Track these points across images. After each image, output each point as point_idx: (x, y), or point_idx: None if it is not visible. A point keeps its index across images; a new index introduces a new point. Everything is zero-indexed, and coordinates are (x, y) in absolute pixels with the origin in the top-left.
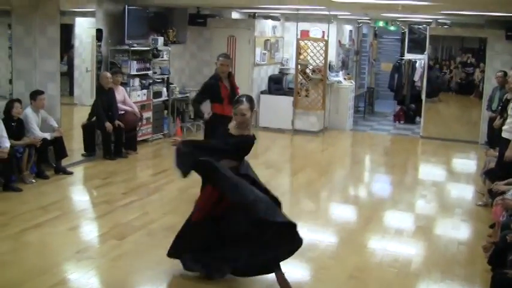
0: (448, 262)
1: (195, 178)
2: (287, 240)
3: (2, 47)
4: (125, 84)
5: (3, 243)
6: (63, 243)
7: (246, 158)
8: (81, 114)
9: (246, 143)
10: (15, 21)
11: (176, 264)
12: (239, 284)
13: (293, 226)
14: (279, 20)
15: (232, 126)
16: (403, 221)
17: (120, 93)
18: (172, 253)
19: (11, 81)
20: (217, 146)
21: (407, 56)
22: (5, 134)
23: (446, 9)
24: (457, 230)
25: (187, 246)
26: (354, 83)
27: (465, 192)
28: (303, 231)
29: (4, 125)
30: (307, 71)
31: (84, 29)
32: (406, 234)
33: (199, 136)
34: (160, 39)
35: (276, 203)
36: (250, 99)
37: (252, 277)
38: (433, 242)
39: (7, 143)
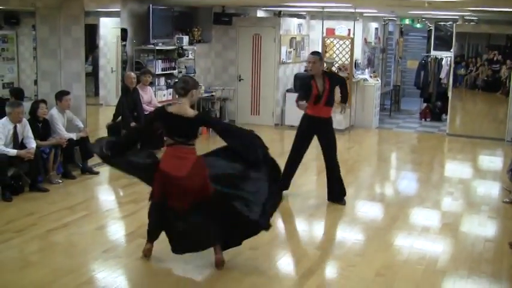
0: (474, 259)
1: None
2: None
3: (27, 48)
4: (151, 84)
5: (31, 243)
6: (90, 243)
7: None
8: (107, 115)
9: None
10: (39, 22)
11: (204, 263)
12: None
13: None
14: (304, 18)
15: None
16: (429, 218)
17: (147, 93)
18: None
19: (36, 82)
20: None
21: (434, 54)
22: (31, 134)
23: (473, 6)
24: (484, 227)
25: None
26: (379, 80)
27: (492, 190)
28: (329, 228)
29: (30, 125)
30: (333, 69)
31: (109, 29)
32: (432, 232)
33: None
34: (186, 39)
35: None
36: (184, 80)
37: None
38: (460, 239)
39: (33, 144)
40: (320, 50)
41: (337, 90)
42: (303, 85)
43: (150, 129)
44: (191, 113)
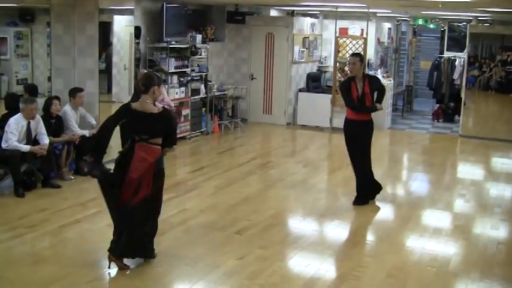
0: (487, 262)
1: (233, 176)
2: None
3: (41, 45)
4: (163, 82)
5: (43, 238)
6: (101, 239)
7: None
8: None
9: None
10: (54, 20)
11: (214, 260)
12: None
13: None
14: (317, 17)
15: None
16: (441, 220)
17: (160, 91)
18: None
19: (49, 79)
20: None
21: (447, 54)
22: (44, 131)
23: (487, 6)
24: (496, 230)
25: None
26: (392, 81)
27: (504, 192)
28: (340, 229)
29: (43, 122)
30: (346, 68)
31: (122, 26)
32: (444, 233)
33: (237, 134)
34: (199, 37)
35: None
36: (147, 76)
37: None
38: (472, 242)
39: (46, 140)
40: (333, 50)
41: None
42: (343, 88)
43: (115, 126)
44: (155, 109)
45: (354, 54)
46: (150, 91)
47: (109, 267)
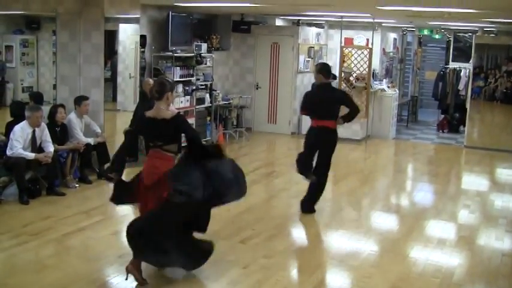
0: (491, 273)
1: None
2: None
3: (47, 53)
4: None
5: (47, 246)
6: (105, 248)
7: None
8: (124, 120)
9: None
10: (60, 28)
11: (219, 269)
12: None
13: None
14: (323, 27)
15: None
16: (445, 230)
17: None
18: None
19: (55, 87)
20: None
21: (452, 65)
22: (49, 138)
23: (493, 17)
24: (501, 241)
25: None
26: (397, 91)
27: (509, 203)
28: (344, 239)
29: (48, 130)
30: (351, 78)
31: (128, 35)
32: (448, 244)
33: (242, 144)
34: (204, 46)
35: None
36: (160, 82)
37: None
38: (476, 253)
39: (51, 148)
40: (338, 60)
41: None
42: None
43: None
44: (168, 115)
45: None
46: (164, 97)
47: (126, 279)
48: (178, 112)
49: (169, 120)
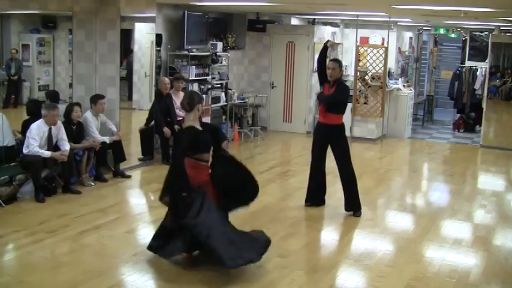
0: (507, 274)
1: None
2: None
3: (63, 52)
4: (184, 89)
5: (63, 244)
6: (120, 246)
7: None
8: (139, 119)
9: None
10: (76, 26)
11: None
12: None
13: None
14: (338, 26)
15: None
16: (461, 230)
17: (180, 98)
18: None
19: (71, 85)
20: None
21: (468, 64)
22: (65, 137)
23: (510, 16)
24: None
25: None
26: (413, 90)
27: None
28: (360, 238)
29: (64, 128)
30: (366, 77)
31: (143, 34)
32: (464, 244)
33: (257, 143)
34: (220, 45)
35: None
36: (190, 96)
37: None
38: (493, 253)
39: (67, 146)
40: (354, 59)
41: None
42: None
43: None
44: (186, 126)
45: (331, 60)
46: (194, 109)
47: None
48: (189, 126)
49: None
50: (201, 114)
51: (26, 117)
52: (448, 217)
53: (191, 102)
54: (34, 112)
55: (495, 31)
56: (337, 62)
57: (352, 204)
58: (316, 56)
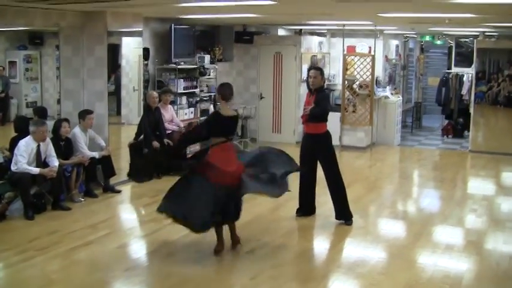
0: (500, 277)
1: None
2: None
3: (50, 68)
4: (172, 103)
5: (54, 261)
6: (112, 261)
7: None
8: (128, 134)
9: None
10: (63, 42)
11: (227, 280)
12: None
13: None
14: (325, 36)
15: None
16: (453, 235)
17: (168, 112)
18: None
19: (59, 102)
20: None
21: (455, 70)
22: (53, 153)
23: (494, 22)
24: (509, 245)
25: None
26: (401, 97)
27: None
28: (352, 247)
29: (53, 144)
30: (354, 86)
31: (131, 48)
32: (456, 249)
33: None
34: (207, 57)
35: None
36: (230, 87)
37: None
38: (485, 257)
39: (56, 162)
40: (341, 68)
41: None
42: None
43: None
44: (234, 113)
45: (313, 68)
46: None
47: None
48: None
49: (236, 117)
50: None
51: (14, 134)
52: (440, 223)
53: (232, 92)
54: (22, 129)
55: (480, 37)
56: (319, 70)
57: (342, 213)
58: (304, 67)
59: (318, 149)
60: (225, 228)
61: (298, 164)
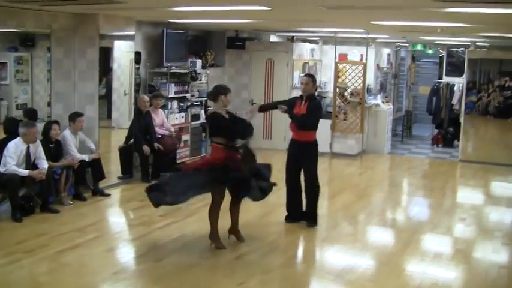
0: (488, 286)
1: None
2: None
3: (41, 70)
4: (163, 107)
5: (42, 263)
6: (100, 265)
7: None
8: (119, 137)
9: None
10: (54, 44)
11: (216, 286)
12: None
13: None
14: (317, 43)
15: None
16: (442, 244)
17: (159, 116)
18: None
19: (49, 104)
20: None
21: (446, 79)
22: (43, 155)
23: (486, 32)
24: (498, 254)
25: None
26: (392, 106)
27: (505, 216)
28: (341, 254)
29: (42, 146)
30: (345, 94)
31: (123, 52)
32: (445, 258)
33: None
34: (199, 62)
35: None
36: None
37: None
38: (473, 266)
39: (45, 165)
40: (332, 75)
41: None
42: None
43: None
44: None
45: (305, 75)
46: (219, 100)
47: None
48: (213, 111)
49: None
50: (226, 104)
51: (3, 135)
52: (429, 231)
53: (214, 93)
54: (11, 130)
55: (471, 47)
56: (311, 77)
57: (309, 215)
58: (296, 73)
59: (304, 157)
60: (225, 229)
61: (284, 170)
